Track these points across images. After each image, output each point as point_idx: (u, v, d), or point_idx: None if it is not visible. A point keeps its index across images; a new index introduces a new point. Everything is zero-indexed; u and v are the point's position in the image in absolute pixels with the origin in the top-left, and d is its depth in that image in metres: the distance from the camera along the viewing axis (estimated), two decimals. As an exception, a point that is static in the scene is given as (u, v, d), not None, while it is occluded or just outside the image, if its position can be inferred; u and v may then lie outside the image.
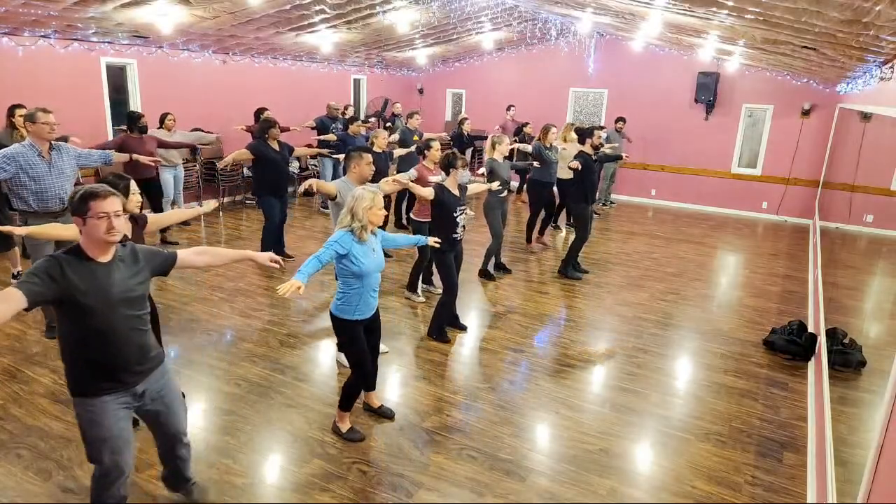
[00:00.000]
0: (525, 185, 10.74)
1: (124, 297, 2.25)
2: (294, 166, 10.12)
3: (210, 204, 3.81)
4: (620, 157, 7.52)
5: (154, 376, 2.45)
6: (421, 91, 13.13)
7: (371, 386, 3.70)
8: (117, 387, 2.31)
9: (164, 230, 7.39)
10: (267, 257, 2.83)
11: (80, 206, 2.15)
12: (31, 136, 4.28)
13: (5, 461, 3.13)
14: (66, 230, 3.24)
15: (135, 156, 5.49)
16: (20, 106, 5.67)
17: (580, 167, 6.13)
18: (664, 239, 8.55)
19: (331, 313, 3.32)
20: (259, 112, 8.30)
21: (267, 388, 3.98)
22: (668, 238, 8.61)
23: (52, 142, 4.34)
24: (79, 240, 2.24)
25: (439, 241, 4.10)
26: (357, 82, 11.89)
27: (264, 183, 6.38)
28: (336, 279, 3.31)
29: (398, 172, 6.89)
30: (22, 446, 3.26)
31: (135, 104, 8.15)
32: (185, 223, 8.06)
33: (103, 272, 2.21)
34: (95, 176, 7.23)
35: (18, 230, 3.35)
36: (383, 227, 4.82)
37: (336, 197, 4.35)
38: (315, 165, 10.53)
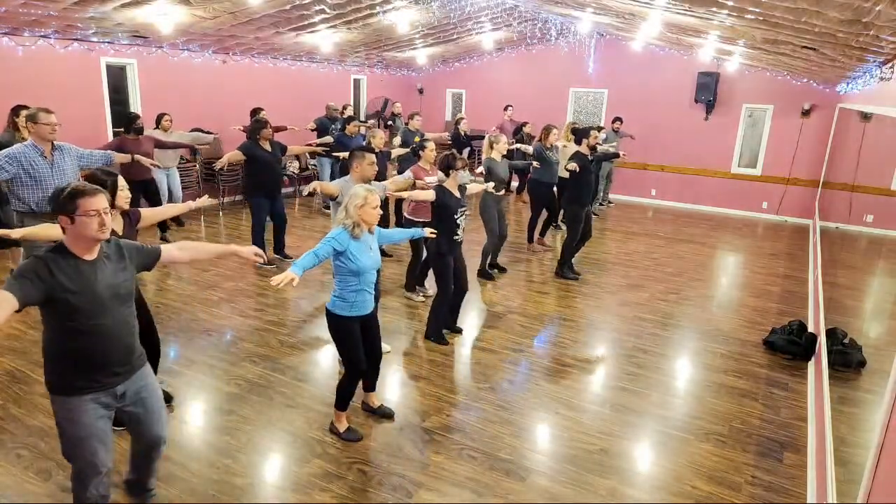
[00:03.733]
0: (526, 186, 10.79)
1: (113, 294, 2.24)
2: (294, 167, 10.12)
3: (203, 199, 3.76)
4: (617, 156, 7.52)
5: (135, 378, 2.43)
6: (421, 91, 13.13)
7: (371, 386, 3.71)
8: (98, 387, 2.29)
9: (163, 230, 7.41)
10: (251, 251, 2.80)
11: (67, 205, 2.11)
12: (32, 137, 4.26)
13: (5, 461, 3.13)
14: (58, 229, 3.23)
15: (136, 156, 5.49)
16: (24, 107, 5.68)
17: (578, 169, 6.13)
18: (664, 239, 8.55)
19: (326, 310, 3.32)
20: (254, 112, 8.30)
21: (267, 388, 3.98)
22: (668, 238, 8.61)
23: (55, 142, 4.33)
24: None
25: (436, 232, 4.18)
26: (357, 82, 11.89)
27: (255, 183, 6.37)
28: (333, 277, 3.32)
29: (399, 172, 6.90)
30: (22, 446, 3.25)
31: (135, 104, 8.15)
32: (181, 223, 8.04)
33: (90, 270, 2.19)
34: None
35: (13, 233, 3.27)
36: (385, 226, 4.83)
37: (338, 197, 4.36)
38: (315, 165, 10.53)
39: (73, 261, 2.16)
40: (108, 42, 7.59)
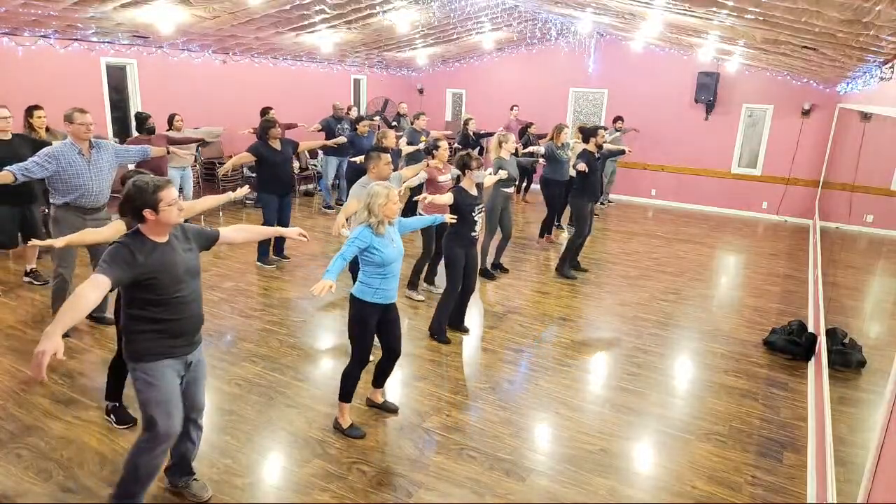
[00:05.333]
0: (530, 188, 10.79)
1: (186, 270, 2.54)
2: (294, 167, 10.12)
3: (242, 190, 3.90)
4: (623, 153, 7.52)
5: (198, 350, 2.71)
6: (421, 91, 13.13)
7: (380, 383, 3.74)
8: (176, 353, 2.56)
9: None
10: (295, 231, 3.17)
11: (151, 199, 2.39)
12: (70, 136, 4.35)
13: (5, 461, 3.13)
14: (99, 234, 3.39)
15: (171, 148, 5.51)
16: (38, 107, 5.72)
17: (586, 169, 6.16)
18: (664, 239, 8.55)
19: (351, 295, 3.39)
20: (264, 112, 8.30)
21: (267, 388, 3.98)
22: (668, 238, 8.61)
23: (92, 140, 4.40)
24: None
25: (455, 217, 4.27)
26: (357, 82, 11.90)
27: (266, 182, 6.40)
28: (359, 267, 3.40)
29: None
30: (22, 446, 3.25)
31: (135, 104, 8.15)
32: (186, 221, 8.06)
33: (165, 250, 2.47)
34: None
35: (57, 242, 3.37)
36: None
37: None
38: (315, 165, 10.53)
39: (151, 243, 2.44)
40: (108, 42, 7.59)
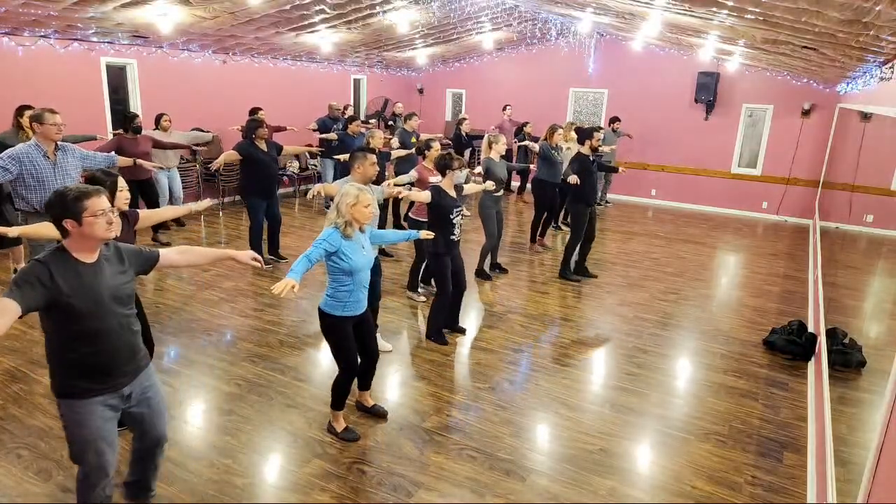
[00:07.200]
0: (527, 186, 10.80)
1: (113, 296, 2.24)
2: (294, 167, 10.13)
3: (203, 202, 3.75)
4: (616, 170, 7.33)
5: (140, 378, 2.44)
6: (421, 91, 13.13)
7: (366, 385, 3.71)
8: (105, 388, 2.29)
9: (156, 230, 7.36)
10: (248, 256, 2.79)
11: (73, 207, 2.09)
12: (37, 137, 4.26)
13: (5, 461, 3.13)
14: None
15: (138, 161, 5.47)
16: (29, 107, 5.70)
17: (578, 182, 6.03)
18: (664, 239, 8.55)
19: (319, 309, 3.30)
20: (253, 112, 8.29)
21: (267, 388, 3.98)
22: (668, 238, 8.61)
23: (58, 143, 4.34)
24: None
25: (432, 234, 4.14)
26: (357, 82, 11.89)
27: (251, 184, 6.34)
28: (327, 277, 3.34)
29: (396, 174, 6.89)
30: (22, 446, 3.25)
31: (135, 104, 8.16)
32: (182, 223, 8.05)
33: (90, 272, 2.19)
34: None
35: (12, 231, 3.30)
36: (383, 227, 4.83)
37: None
38: (315, 166, 10.54)
39: (74, 264, 2.15)
40: (108, 42, 7.59)
